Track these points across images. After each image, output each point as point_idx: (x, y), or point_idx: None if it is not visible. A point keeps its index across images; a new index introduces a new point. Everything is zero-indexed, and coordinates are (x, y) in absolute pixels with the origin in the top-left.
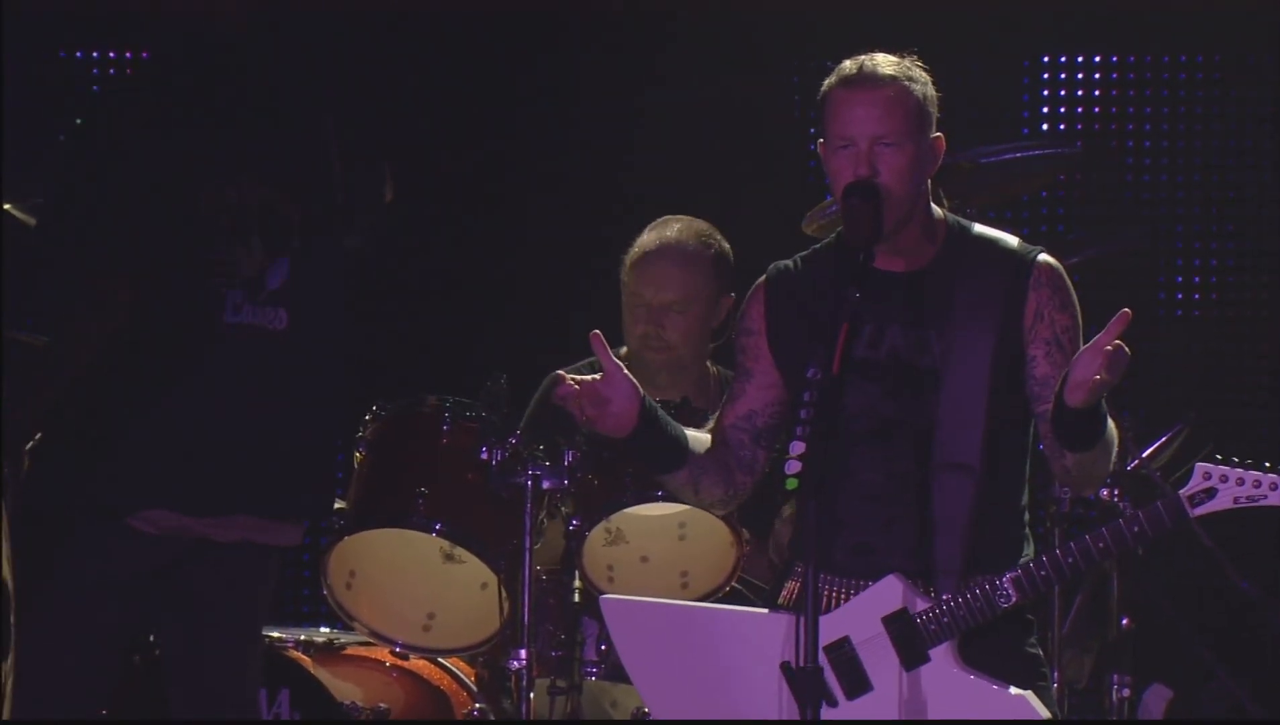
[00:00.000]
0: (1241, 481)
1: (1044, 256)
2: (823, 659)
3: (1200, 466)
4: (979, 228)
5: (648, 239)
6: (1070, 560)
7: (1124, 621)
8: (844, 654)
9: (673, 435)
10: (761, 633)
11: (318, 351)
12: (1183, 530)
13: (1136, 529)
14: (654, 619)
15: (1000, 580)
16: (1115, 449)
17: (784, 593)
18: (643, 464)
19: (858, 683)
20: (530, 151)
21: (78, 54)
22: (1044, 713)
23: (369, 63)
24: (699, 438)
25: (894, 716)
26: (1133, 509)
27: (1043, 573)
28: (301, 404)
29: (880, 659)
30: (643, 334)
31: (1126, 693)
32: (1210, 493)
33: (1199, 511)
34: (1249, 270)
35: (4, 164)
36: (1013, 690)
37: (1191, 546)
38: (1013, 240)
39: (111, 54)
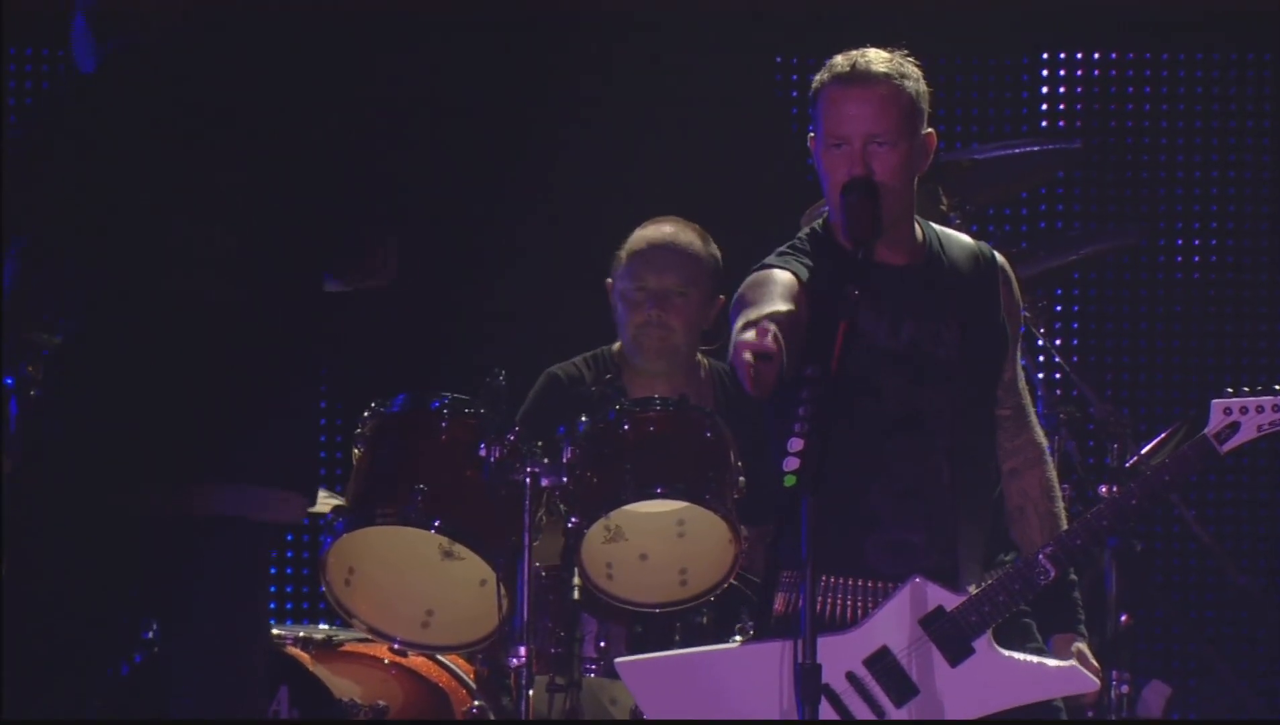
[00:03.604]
0: (1261, 408)
1: (999, 255)
2: (864, 672)
3: (1217, 403)
4: (937, 226)
5: (648, 232)
6: (1105, 522)
7: (1122, 618)
8: (887, 664)
9: None
10: (779, 662)
11: (278, 327)
12: (1213, 468)
13: (1167, 478)
14: (673, 672)
15: (1036, 557)
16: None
17: (779, 604)
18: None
19: (904, 690)
20: (526, 153)
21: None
22: (1095, 679)
23: (365, 64)
24: None
25: (943, 715)
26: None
27: (1077, 541)
28: (275, 380)
29: (925, 662)
30: (643, 322)
31: (1125, 689)
32: (1234, 427)
33: (1227, 446)
34: (1249, 269)
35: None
36: (1059, 663)
37: (1190, 543)
38: (967, 238)
39: None
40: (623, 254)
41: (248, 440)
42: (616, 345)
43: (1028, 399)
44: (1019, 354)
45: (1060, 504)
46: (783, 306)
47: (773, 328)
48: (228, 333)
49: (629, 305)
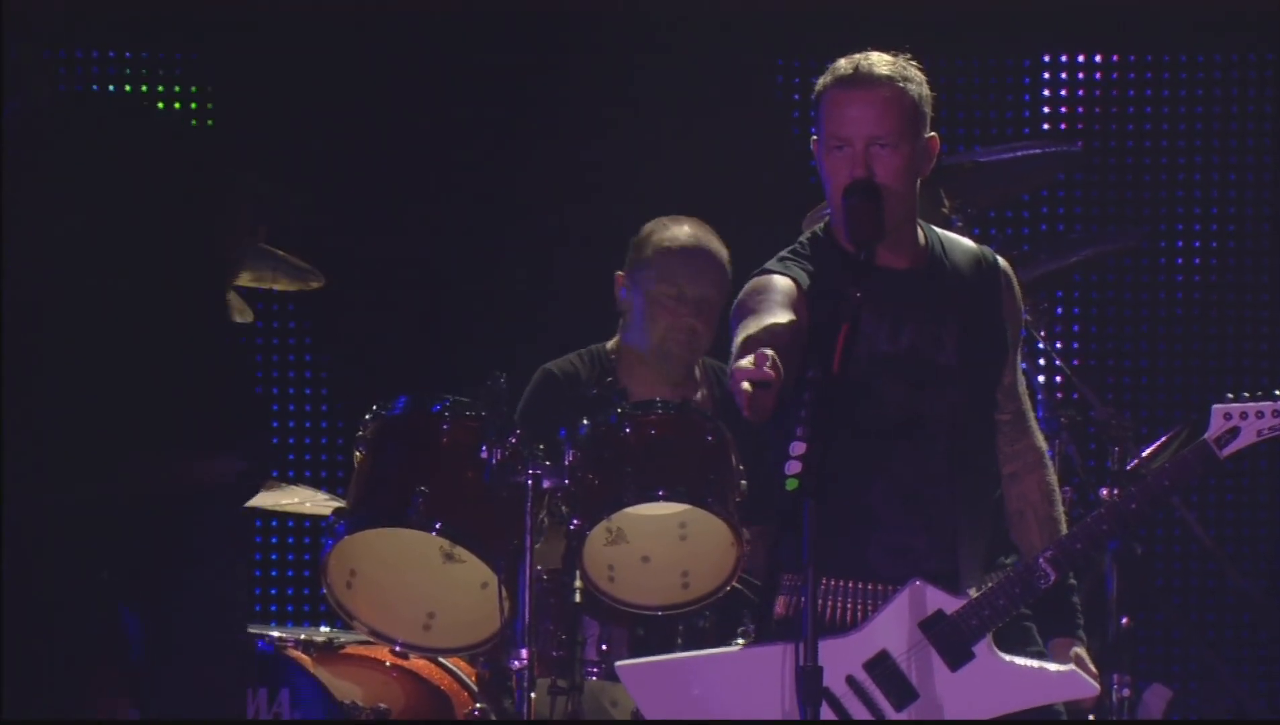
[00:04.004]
0: (1261, 414)
1: (1001, 258)
2: (864, 676)
3: (1217, 408)
4: (940, 230)
5: (679, 235)
6: (1105, 527)
7: (1123, 621)
8: (886, 668)
9: None
10: (779, 666)
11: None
12: (1213, 473)
13: (1167, 483)
14: (673, 676)
15: (1036, 561)
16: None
17: (779, 607)
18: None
19: (904, 694)
20: (527, 155)
21: (78, 53)
22: (1095, 684)
23: (363, 63)
24: None
25: (943, 719)
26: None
27: (1078, 545)
28: (183, 355)
29: (925, 666)
30: (673, 326)
31: (1126, 692)
32: (1234, 432)
33: (1227, 451)
34: (1249, 270)
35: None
36: (1059, 667)
37: (1191, 546)
38: (970, 242)
39: (111, 54)
40: (649, 253)
41: (174, 410)
42: (610, 343)
43: (1028, 404)
44: (1019, 358)
45: (1060, 508)
46: (783, 317)
47: (771, 354)
48: (133, 319)
49: (660, 308)
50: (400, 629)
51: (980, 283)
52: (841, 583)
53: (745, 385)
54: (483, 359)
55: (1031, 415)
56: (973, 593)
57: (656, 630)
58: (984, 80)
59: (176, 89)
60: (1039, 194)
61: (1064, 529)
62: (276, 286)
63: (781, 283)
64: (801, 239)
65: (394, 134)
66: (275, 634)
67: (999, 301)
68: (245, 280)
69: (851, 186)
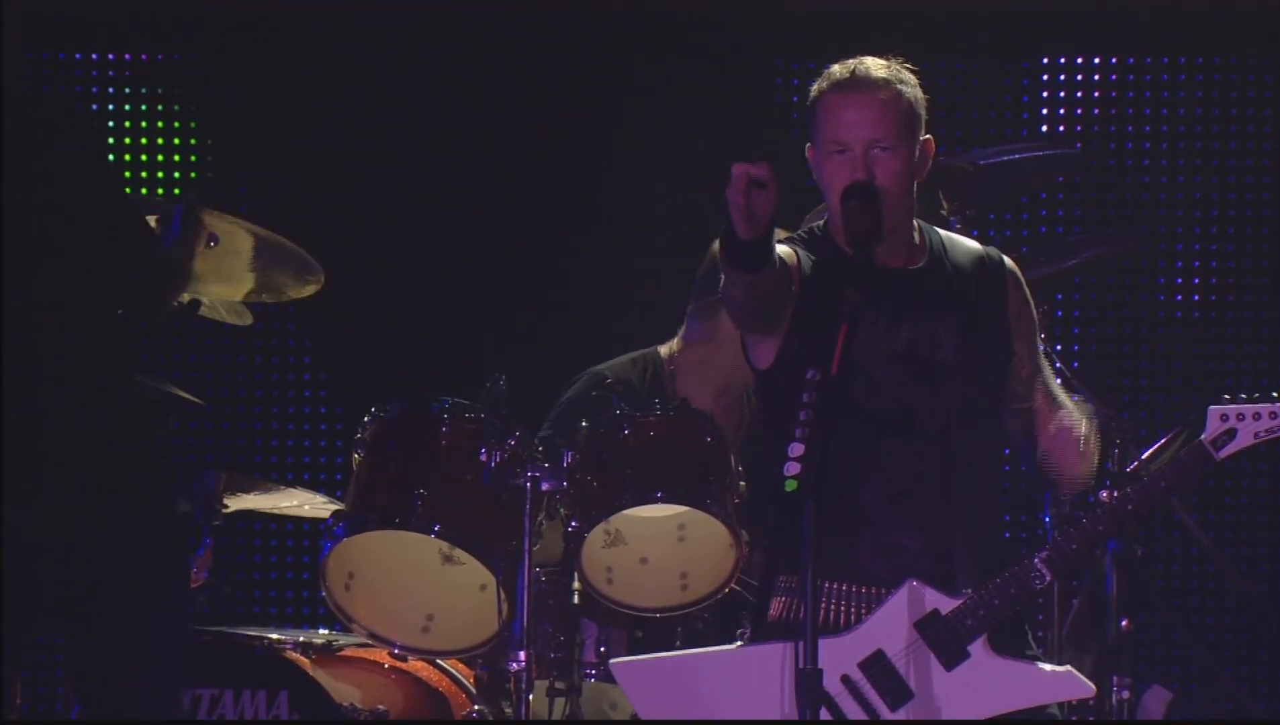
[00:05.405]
0: (1258, 416)
1: (1007, 258)
2: (859, 675)
3: (1214, 409)
4: (943, 231)
5: None
6: (1101, 528)
7: (1123, 623)
8: (881, 667)
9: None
10: (775, 665)
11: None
12: (1210, 474)
13: (1164, 484)
14: (668, 674)
15: (1032, 562)
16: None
17: (774, 609)
18: (750, 259)
19: (899, 693)
20: (527, 155)
21: (77, 55)
22: (1090, 685)
23: (365, 66)
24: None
25: (938, 719)
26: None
27: (1074, 546)
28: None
29: (920, 665)
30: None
31: (1126, 694)
32: (1231, 434)
33: (1224, 453)
34: (1249, 271)
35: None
36: (1055, 668)
37: (1190, 548)
38: (974, 242)
39: (111, 55)
40: None
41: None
42: (664, 348)
43: (1055, 388)
44: (1039, 345)
45: (1095, 440)
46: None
47: (767, 164)
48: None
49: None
50: (399, 631)
51: (984, 281)
52: (834, 585)
53: (740, 175)
54: (483, 360)
55: (1064, 395)
56: (969, 593)
57: (655, 632)
58: (983, 82)
59: (176, 90)
60: (1038, 196)
61: (1097, 455)
62: (289, 292)
63: (781, 248)
64: (800, 231)
65: (394, 134)
66: (274, 636)
67: (1004, 300)
68: (251, 297)
69: (850, 189)
